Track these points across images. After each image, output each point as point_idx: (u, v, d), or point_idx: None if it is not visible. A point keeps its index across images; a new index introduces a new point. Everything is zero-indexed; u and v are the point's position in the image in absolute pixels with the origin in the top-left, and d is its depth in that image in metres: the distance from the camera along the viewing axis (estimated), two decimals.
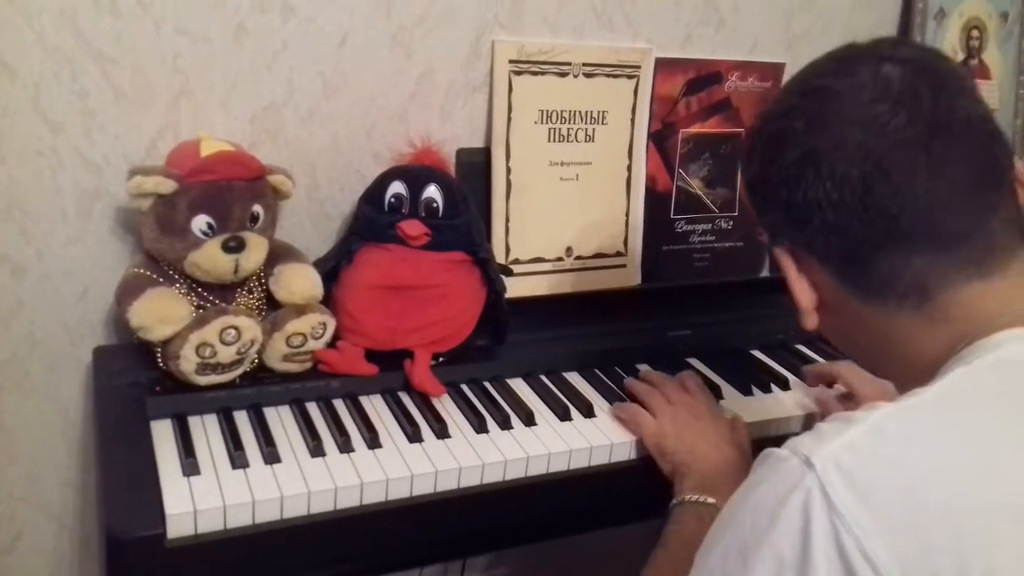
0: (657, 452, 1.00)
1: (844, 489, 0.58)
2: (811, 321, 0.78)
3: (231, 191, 0.98)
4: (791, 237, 0.75)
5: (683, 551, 0.86)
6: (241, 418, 0.99)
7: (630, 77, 1.27)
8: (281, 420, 0.99)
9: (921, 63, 0.70)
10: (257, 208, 1.01)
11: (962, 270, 0.69)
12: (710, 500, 0.91)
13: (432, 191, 1.10)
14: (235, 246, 0.98)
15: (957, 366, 0.66)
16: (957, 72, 0.73)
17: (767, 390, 1.18)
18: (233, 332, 0.96)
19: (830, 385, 1.15)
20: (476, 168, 1.21)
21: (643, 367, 1.20)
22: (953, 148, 0.68)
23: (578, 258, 1.28)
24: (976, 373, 0.65)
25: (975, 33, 1.57)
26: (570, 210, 1.26)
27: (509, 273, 1.19)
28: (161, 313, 0.96)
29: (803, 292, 0.77)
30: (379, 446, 0.96)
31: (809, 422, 1.13)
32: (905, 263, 0.69)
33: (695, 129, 1.33)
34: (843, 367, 1.13)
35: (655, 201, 1.32)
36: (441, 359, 1.10)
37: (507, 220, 1.22)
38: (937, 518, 0.57)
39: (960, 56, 1.55)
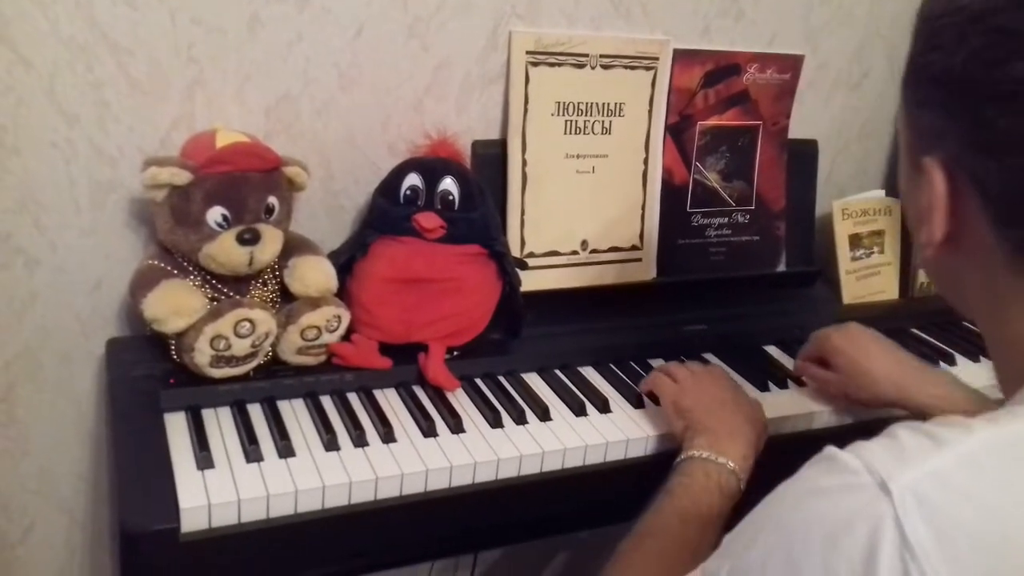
0: (673, 409, 1.00)
1: (923, 527, 0.49)
2: (931, 252, 0.64)
3: (246, 183, 0.97)
4: (960, 156, 0.60)
5: (689, 501, 0.86)
6: (255, 411, 0.98)
7: (647, 69, 1.26)
8: (295, 414, 0.99)
9: None
10: (272, 200, 1.00)
11: None
12: (720, 459, 0.90)
13: (448, 183, 1.09)
14: (250, 238, 0.97)
15: None
16: None
17: (783, 386, 1.17)
18: (247, 325, 0.95)
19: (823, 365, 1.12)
20: (492, 160, 1.20)
21: (658, 362, 1.19)
22: None
23: (593, 251, 1.27)
24: None
25: None
26: (586, 203, 1.25)
27: (524, 266, 1.18)
28: (175, 305, 0.95)
29: (941, 219, 0.61)
30: (393, 440, 0.96)
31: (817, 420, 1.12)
32: None
33: (712, 122, 1.31)
34: (830, 345, 1.10)
35: (671, 194, 1.31)
36: (456, 353, 1.10)
37: (523, 213, 1.21)
38: None
39: None
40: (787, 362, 1.23)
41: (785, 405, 1.12)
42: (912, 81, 0.64)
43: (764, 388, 1.15)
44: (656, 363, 1.19)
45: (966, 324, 1.36)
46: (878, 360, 1.06)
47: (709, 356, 1.23)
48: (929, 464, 0.51)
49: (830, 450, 0.56)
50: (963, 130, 0.59)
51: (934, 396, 1.01)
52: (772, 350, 1.27)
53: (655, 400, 1.06)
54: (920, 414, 0.98)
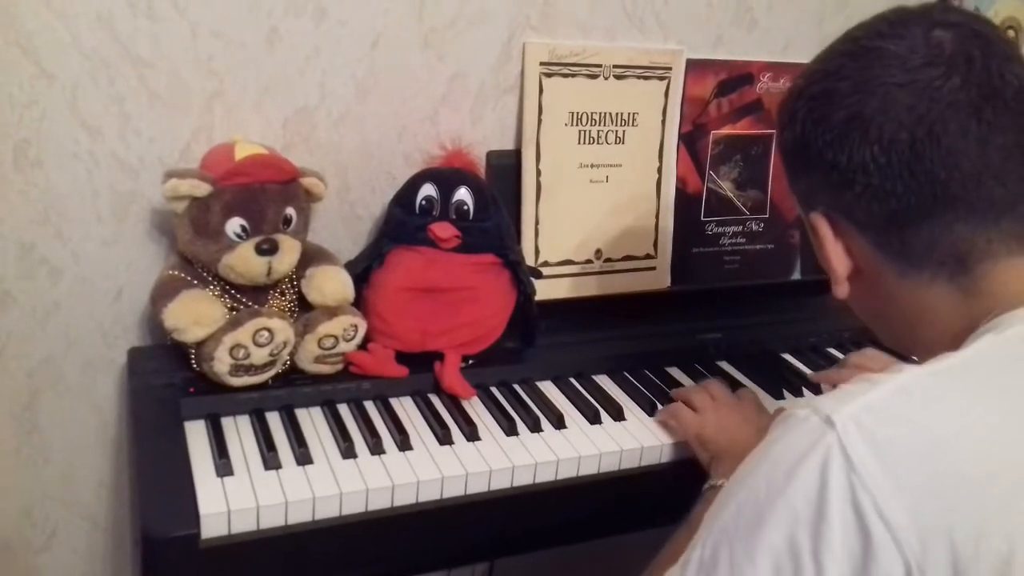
0: (697, 442, 1.00)
1: (864, 448, 0.57)
2: (843, 290, 0.77)
3: (264, 194, 0.99)
4: (829, 202, 0.74)
5: None
6: (273, 419, 0.99)
7: (661, 78, 1.26)
8: (313, 421, 1.00)
9: (972, 28, 0.69)
10: (290, 211, 1.01)
11: (1004, 242, 0.68)
12: None
13: (463, 193, 1.10)
14: (268, 248, 0.99)
15: (987, 335, 0.65)
16: (1006, 39, 0.71)
17: (798, 394, 1.17)
18: (266, 334, 0.96)
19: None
20: (506, 170, 1.21)
21: (673, 370, 1.20)
22: (1005, 116, 0.67)
23: (608, 260, 1.27)
24: (1007, 341, 0.64)
25: (1011, 33, 1.55)
26: (600, 212, 1.26)
27: (539, 275, 1.19)
28: (195, 315, 0.97)
29: (839, 259, 0.75)
30: (410, 448, 0.97)
31: None
32: (947, 231, 0.68)
33: (726, 130, 1.32)
34: (851, 364, 1.13)
35: (685, 203, 1.31)
36: (471, 361, 1.11)
37: (537, 222, 1.22)
38: (958, 482, 0.57)
39: None
40: (802, 370, 1.23)
41: None
42: (783, 160, 0.79)
43: (779, 396, 1.15)
44: (671, 371, 1.20)
45: None
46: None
47: (724, 364, 1.23)
48: (866, 397, 0.60)
49: (786, 410, 0.65)
50: (821, 179, 0.73)
51: None
52: (787, 358, 1.28)
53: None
54: None
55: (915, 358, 0.77)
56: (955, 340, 0.68)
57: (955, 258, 0.69)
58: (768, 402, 1.13)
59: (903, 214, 0.69)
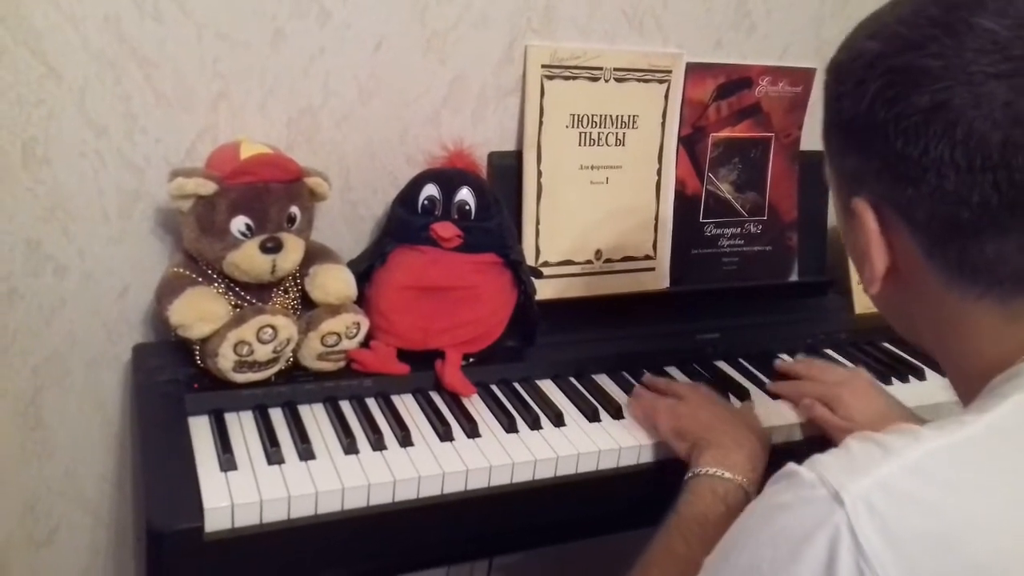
0: (674, 435, 1.00)
1: (875, 534, 0.53)
2: (876, 288, 0.68)
3: (269, 193, 1.00)
4: (883, 192, 0.64)
5: (695, 522, 0.86)
6: (276, 415, 1.01)
7: (661, 82, 1.28)
8: (315, 418, 1.01)
9: None
10: (294, 209, 1.03)
11: None
12: (727, 474, 0.90)
13: (464, 194, 1.11)
14: (273, 247, 1.00)
15: (1014, 392, 0.59)
16: None
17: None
18: (270, 331, 0.98)
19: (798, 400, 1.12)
20: (508, 171, 1.22)
21: (671, 370, 1.21)
22: None
23: (607, 261, 1.29)
24: None
25: None
26: (600, 213, 1.27)
27: (539, 275, 1.20)
28: (200, 312, 0.98)
29: (879, 254, 0.66)
30: (411, 444, 0.98)
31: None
32: (1018, 250, 0.60)
33: (725, 133, 1.33)
34: (815, 390, 1.10)
35: (684, 205, 1.33)
36: (472, 359, 1.12)
37: (537, 223, 1.23)
38: (969, 573, 0.53)
39: None
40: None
41: (797, 413, 1.13)
42: (829, 132, 0.69)
43: (775, 397, 1.16)
44: (670, 371, 1.21)
45: None
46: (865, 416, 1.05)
47: (721, 364, 1.24)
48: (878, 473, 0.55)
49: (790, 466, 0.60)
50: (880, 167, 0.63)
51: None
52: (784, 359, 1.29)
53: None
54: None
55: (934, 359, 0.72)
56: (989, 367, 0.64)
57: (1014, 279, 0.62)
58: (765, 403, 1.15)
59: (972, 225, 0.60)
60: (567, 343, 1.20)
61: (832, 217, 1.44)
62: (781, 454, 1.03)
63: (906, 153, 0.61)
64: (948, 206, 0.60)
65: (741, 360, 1.25)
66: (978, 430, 0.57)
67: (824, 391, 1.09)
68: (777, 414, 1.11)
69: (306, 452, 0.94)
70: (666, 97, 1.29)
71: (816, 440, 1.07)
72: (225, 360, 0.97)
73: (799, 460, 0.61)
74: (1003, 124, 0.57)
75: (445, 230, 1.09)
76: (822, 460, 0.58)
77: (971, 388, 0.65)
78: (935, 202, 0.61)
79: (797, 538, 0.55)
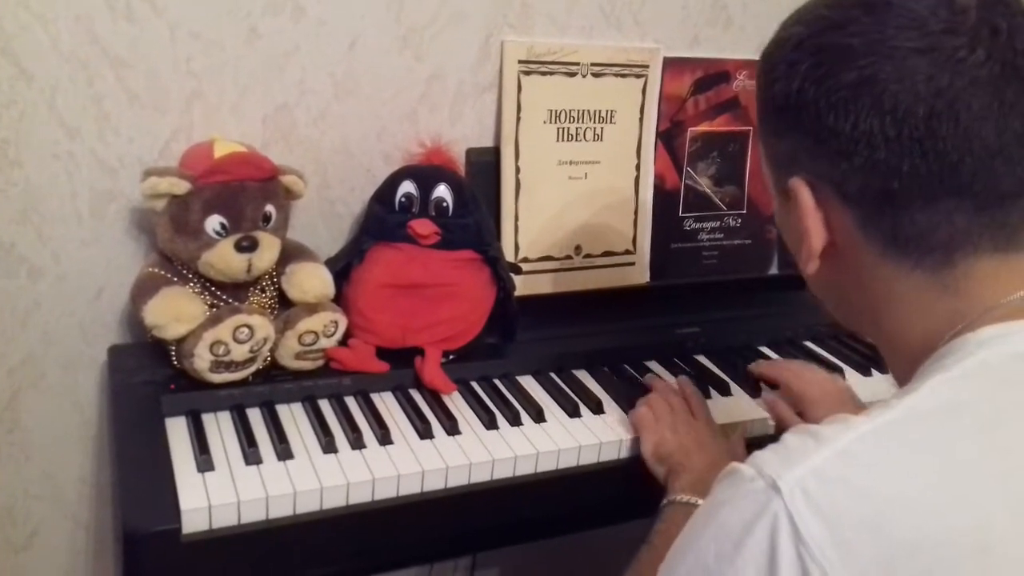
0: (654, 458, 0.99)
1: (811, 518, 0.54)
2: (814, 266, 0.69)
3: (244, 191, 1.00)
4: (816, 169, 0.66)
5: (668, 550, 0.86)
6: (254, 415, 1.00)
7: (638, 77, 1.28)
8: (294, 417, 1.01)
9: None
10: (269, 208, 1.02)
11: (992, 237, 0.63)
12: (700, 501, 0.89)
13: (442, 190, 1.11)
14: (248, 246, 1.00)
15: (937, 372, 0.61)
16: None
17: (775, 387, 1.18)
18: (246, 330, 0.97)
19: (775, 387, 1.14)
20: (486, 167, 1.22)
21: (652, 364, 1.21)
22: None
23: (587, 256, 1.29)
24: (953, 383, 0.60)
25: None
26: (579, 209, 1.27)
27: (518, 271, 1.20)
28: (175, 312, 0.97)
29: (817, 231, 0.67)
30: (390, 442, 0.98)
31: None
32: (946, 219, 0.62)
33: (703, 128, 1.34)
34: (789, 372, 1.12)
35: (663, 199, 1.33)
36: (451, 357, 1.11)
37: (516, 219, 1.23)
38: (904, 552, 0.54)
39: None
40: None
41: None
42: (764, 116, 0.71)
43: (755, 391, 1.16)
44: (650, 365, 1.21)
45: None
46: (814, 390, 1.08)
47: (701, 358, 1.25)
48: (812, 460, 0.56)
49: (731, 465, 0.61)
50: (812, 144, 0.65)
51: None
52: (765, 351, 1.29)
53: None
54: None
55: (871, 340, 0.74)
56: (922, 340, 0.65)
57: (944, 248, 0.63)
58: (744, 397, 1.15)
59: (903, 194, 0.62)
60: (547, 339, 1.20)
61: None
62: (756, 447, 1.05)
63: (837, 128, 0.63)
64: (879, 177, 0.62)
65: (721, 354, 1.25)
66: (900, 413, 0.59)
67: (799, 385, 1.09)
68: (755, 408, 1.12)
69: (284, 452, 0.93)
70: (644, 92, 1.29)
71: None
72: (201, 360, 0.97)
73: None
74: (926, 96, 0.60)
75: (423, 227, 1.09)
76: (760, 455, 0.59)
77: (905, 368, 0.67)
78: (867, 174, 0.63)
79: (739, 530, 0.57)
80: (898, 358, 0.69)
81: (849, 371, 1.24)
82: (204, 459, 0.90)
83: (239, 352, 0.98)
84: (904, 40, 0.60)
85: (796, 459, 0.57)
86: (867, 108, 0.61)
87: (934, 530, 0.55)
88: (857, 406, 1.07)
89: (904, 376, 0.67)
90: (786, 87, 0.66)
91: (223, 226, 0.99)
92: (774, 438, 1.07)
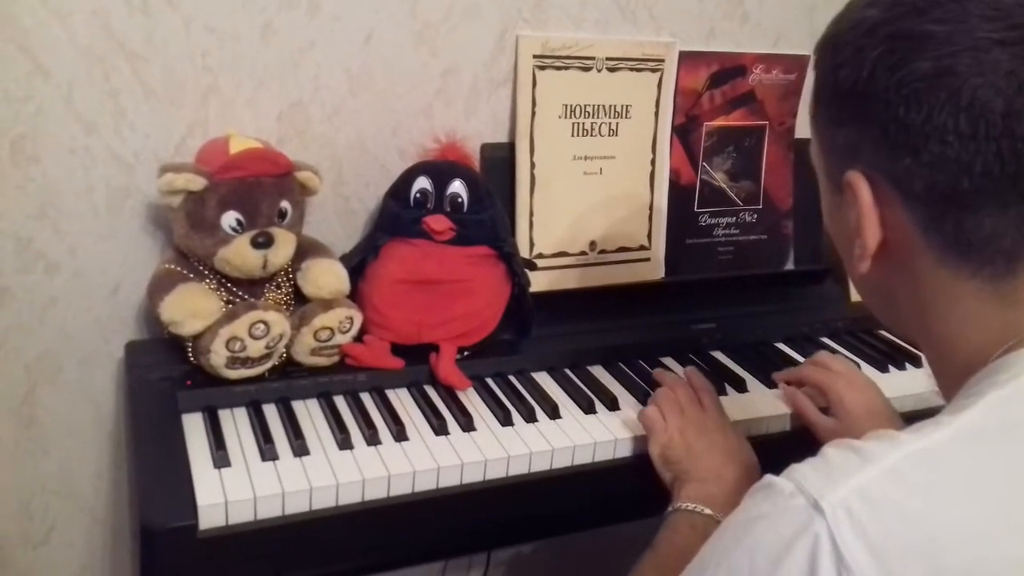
0: (661, 461, 0.97)
1: (855, 541, 0.52)
2: (866, 265, 0.65)
3: (259, 187, 1.00)
4: (878, 163, 0.62)
5: (672, 557, 0.83)
6: (270, 411, 1.00)
7: (654, 71, 1.27)
8: (309, 413, 1.01)
9: None
10: (285, 204, 1.02)
11: None
12: (707, 511, 0.88)
13: (457, 186, 1.11)
14: (264, 242, 0.99)
15: (990, 390, 0.58)
16: None
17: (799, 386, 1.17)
18: (262, 326, 0.97)
19: (800, 385, 1.11)
20: (500, 163, 1.21)
21: (667, 361, 1.21)
22: None
23: (602, 252, 1.28)
24: (1009, 401, 0.57)
25: None
26: (594, 204, 1.26)
27: (533, 267, 1.20)
28: (192, 308, 0.97)
29: (872, 229, 0.63)
30: (406, 439, 0.97)
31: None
32: (1015, 226, 0.59)
33: (719, 122, 1.33)
34: (817, 375, 1.08)
35: (679, 194, 1.32)
36: (466, 353, 1.11)
37: (531, 214, 1.22)
38: None
39: None
40: (796, 359, 1.24)
41: None
42: (822, 104, 0.67)
43: (772, 386, 1.16)
44: (666, 361, 1.20)
45: None
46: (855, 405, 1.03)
47: (717, 354, 1.24)
48: (856, 479, 0.54)
49: (767, 478, 0.58)
50: (878, 135, 0.61)
51: None
52: (781, 347, 1.28)
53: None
54: None
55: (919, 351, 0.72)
56: (974, 353, 0.63)
57: (1008, 257, 0.60)
58: (761, 392, 1.14)
59: (971, 196, 0.59)
60: (562, 335, 1.20)
61: None
62: (772, 444, 1.05)
63: (908, 120, 0.59)
64: (949, 176, 0.59)
65: (737, 350, 1.25)
66: (953, 432, 0.56)
67: (823, 377, 1.07)
68: (772, 404, 1.11)
69: (300, 448, 0.93)
70: (659, 86, 1.28)
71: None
72: (217, 356, 0.97)
73: (790, 454, 0.60)
74: (1006, 92, 0.56)
75: (438, 223, 1.08)
76: (799, 469, 0.57)
77: (952, 379, 0.64)
78: (935, 171, 0.59)
79: (777, 549, 0.54)
80: (945, 367, 0.67)
81: (866, 367, 1.23)
82: (220, 455, 0.90)
83: (255, 348, 0.98)
84: (988, 31, 0.57)
85: (839, 477, 0.55)
86: (942, 101, 0.58)
87: (988, 559, 0.52)
88: (879, 395, 1.05)
89: (950, 386, 0.65)
90: (854, 73, 0.62)
91: (239, 222, 0.99)
92: (791, 434, 1.09)
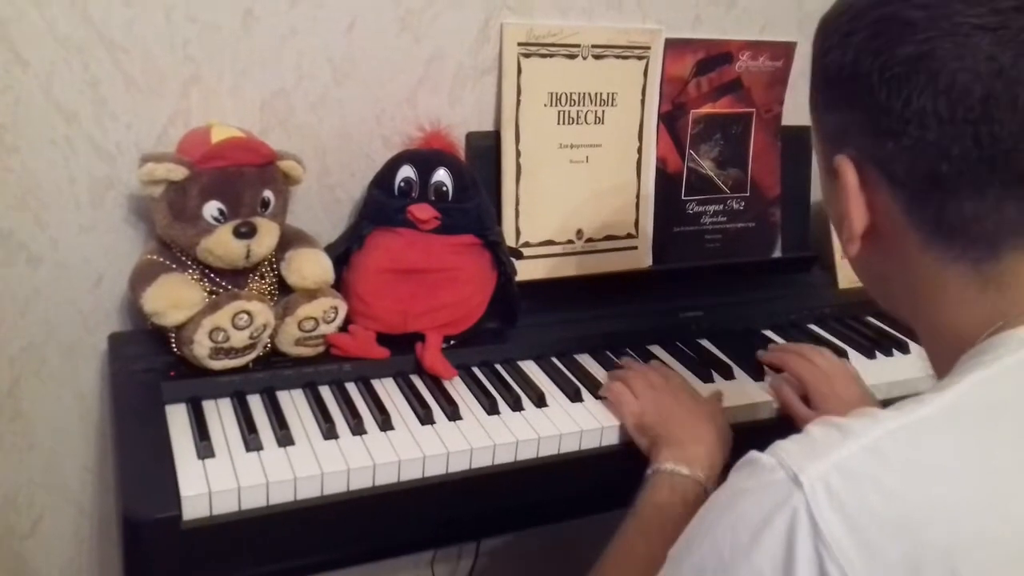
0: (637, 430, 0.99)
1: (833, 515, 0.52)
2: (855, 248, 0.67)
3: (242, 177, 0.99)
4: (864, 147, 0.63)
5: (654, 518, 0.86)
6: (255, 402, 1.00)
7: (640, 58, 1.26)
8: (294, 403, 1.00)
9: None
10: (268, 194, 1.01)
11: None
12: (684, 471, 0.89)
13: (442, 175, 1.10)
14: (246, 232, 0.99)
15: (976, 369, 0.59)
16: None
17: (779, 370, 1.17)
18: (245, 317, 0.97)
19: (781, 371, 1.12)
20: (486, 151, 1.21)
21: (655, 348, 1.20)
22: None
23: (589, 240, 1.28)
24: (992, 381, 0.58)
25: None
26: (580, 192, 1.26)
27: (519, 256, 1.19)
28: (174, 298, 0.97)
29: (859, 213, 0.65)
30: (391, 428, 0.97)
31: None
32: (994, 209, 0.60)
33: (706, 110, 1.32)
34: (797, 356, 1.10)
35: (666, 182, 1.32)
36: (452, 342, 1.11)
37: (517, 203, 1.22)
38: (933, 557, 0.52)
39: None
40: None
41: None
42: (815, 88, 0.68)
43: (759, 374, 1.15)
44: (653, 349, 1.20)
45: None
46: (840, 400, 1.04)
47: (705, 342, 1.24)
48: (837, 455, 0.54)
49: (751, 454, 0.59)
50: (863, 120, 0.63)
51: None
52: (768, 334, 1.28)
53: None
54: None
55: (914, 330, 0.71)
56: (960, 334, 0.63)
57: (989, 241, 0.61)
58: (747, 381, 1.14)
59: (952, 179, 0.60)
60: (549, 324, 1.19)
61: (816, 192, 1.44)
62: (758, 431, 1.05)
63: (889, 104, 0.60)
64: (928, 159, 0.60)
65: (725, 337, 1.25)
66: (934, 410, 0.56)
67: (805, 371, 1.08)
68: (757, 391, 1.11)
69: (285, 438, 0.93)
70: (645, 74, 1.27)
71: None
72: (201, 347, 0.96)
73: (769, 440, 0.60)
74: (985, 77, 0.57)
75: (422, 212, 1.08)
76: (782, 445, 0.57)
77: (944, 360, 0.65)
78: (916, 155, 0.60)
79: (756, 523, 0.55)
80: (938, 347, 0.67)
81: (854, 354, 1.23)
82: (204, 446, 0.90)
83: (238, 338, 0.97)
84: (969, 16, 0.57)
85: (819, 452, 0.55)
86: (921, 85, 0.58)
87: (968, 536, 0.53)
88: (863, 389, 1.07)
89: (943, 366, 0.65)
90: (840, 58, 0.64)
91: (221, 212, 0.98)
92: (778, 422, 1.09)
